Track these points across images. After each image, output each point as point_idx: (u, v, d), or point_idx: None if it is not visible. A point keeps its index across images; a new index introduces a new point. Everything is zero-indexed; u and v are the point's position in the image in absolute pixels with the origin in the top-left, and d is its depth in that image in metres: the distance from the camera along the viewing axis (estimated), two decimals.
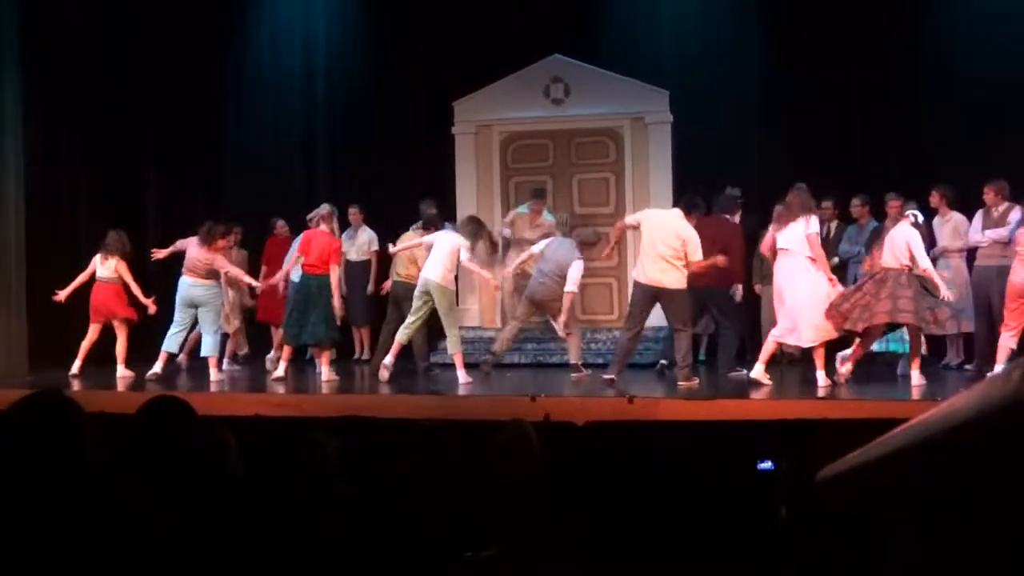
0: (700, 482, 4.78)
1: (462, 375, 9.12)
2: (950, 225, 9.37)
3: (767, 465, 4.83)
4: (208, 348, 9.80)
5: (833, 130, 10.97)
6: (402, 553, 2.92)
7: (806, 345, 8.34)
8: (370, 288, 11.16)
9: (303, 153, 12.67)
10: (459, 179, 11.20)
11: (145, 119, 12.60)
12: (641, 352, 9.92)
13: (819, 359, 8.25)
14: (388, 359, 9.34)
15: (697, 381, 8.61)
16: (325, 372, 9.46)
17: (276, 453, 3.01)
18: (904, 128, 10.66)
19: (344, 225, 11.18)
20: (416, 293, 9.39)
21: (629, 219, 9.20)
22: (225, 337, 10.41)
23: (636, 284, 8.80)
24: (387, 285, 10.51)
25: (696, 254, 8.54)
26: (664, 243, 8.54)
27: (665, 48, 11.48)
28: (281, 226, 11.43)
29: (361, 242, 11.23)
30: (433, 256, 9.39)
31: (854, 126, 10.82)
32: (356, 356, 11.40)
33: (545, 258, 9.55)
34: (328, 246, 9.44)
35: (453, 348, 9.31)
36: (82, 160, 12.07)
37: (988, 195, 9.12)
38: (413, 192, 11.18)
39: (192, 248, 9.74)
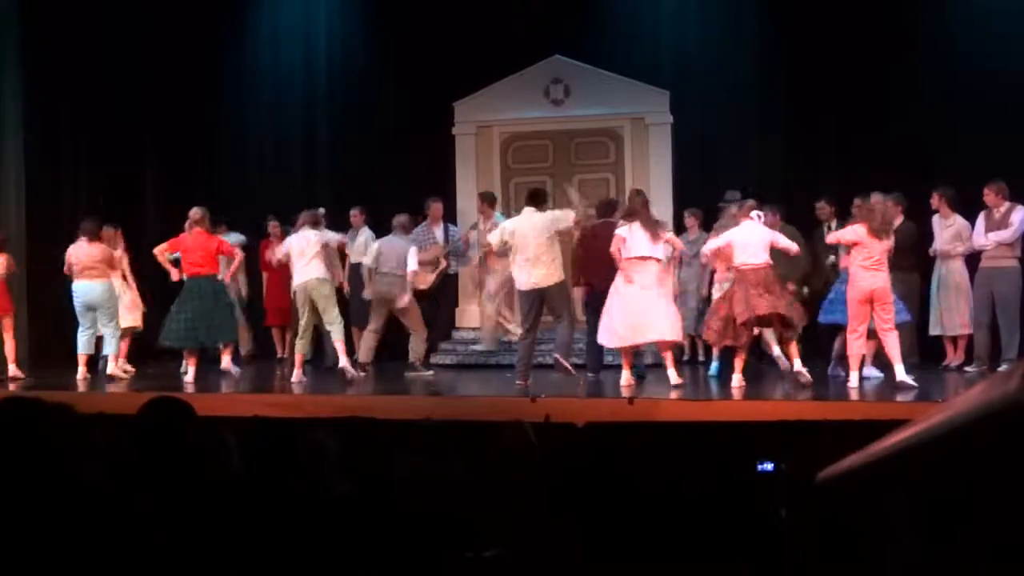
0: (700, 483, 4.78)
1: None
2: (952, 229, 9.33)
3: (767, 466, 4.83)
4: (112, 346, 9.89)
5: (833, 131, 10.97)
6: (402, 554, 2.92)
7: (653, 339, 8.60)
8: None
9: (303, 153, 12.66)
10: (459, 179, 11.21)
11: (145, 119, 12.60)
12: (641, 353, 9.94)
13: (671, 359, 8.58)
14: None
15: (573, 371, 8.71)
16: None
17: (276, 453, 3.01)
18: (904, 128, 10.65)
19: (345, 226, 11.21)
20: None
21: (494, 242, 9.18)
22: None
23: (521, 292, 8.96)
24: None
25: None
26: (535, 245, 8.68)
27: (665, 49, 11.48)
28: (273, 226, 11.38)
29: (359, 243, 11.20)
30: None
31: (854, 127, 10.81)
32: (355, 356, 11.40)
33: (385, 257, 9.86)
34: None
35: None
36: (83, 160, 12.08)
37: (988, 196, 9.09)
38: (413, 192, 11.18)
39: (78, 251, 9.78)
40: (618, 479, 4.78)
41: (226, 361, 9.82)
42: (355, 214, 11.21)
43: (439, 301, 11.04)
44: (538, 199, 8.96)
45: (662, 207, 10.41)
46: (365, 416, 6.49)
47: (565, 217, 8.82)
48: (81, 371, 9.86)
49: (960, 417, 1.49)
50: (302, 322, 9.64)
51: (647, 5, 11.63)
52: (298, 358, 9.63)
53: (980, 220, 9.17)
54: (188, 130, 12.45)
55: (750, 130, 11.26)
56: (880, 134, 10.64)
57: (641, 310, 8.43)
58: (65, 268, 9.88)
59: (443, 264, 10.84)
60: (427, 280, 10.75)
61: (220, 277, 9.86)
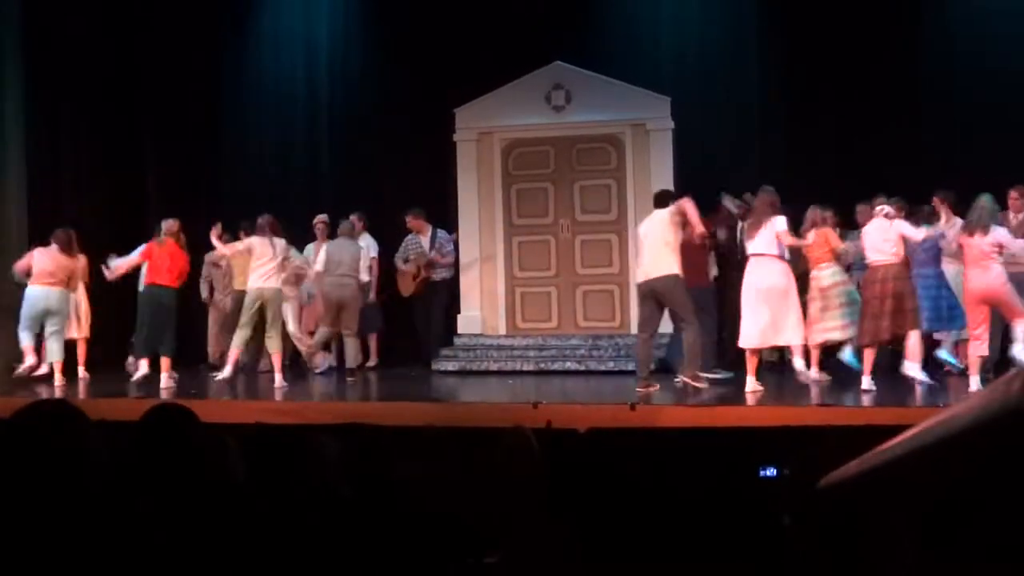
0: (702, 489, 4.77)
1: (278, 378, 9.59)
2: (952, 232, 9.31)
3: (770, 472, 4.82)
4: (57, 353, 9.92)
5: (834, 136, 10.97)
6: (403, 560, 2.92)
7: (796, 343, 8.38)
8: (371, 296, 11.17)
9: (304, 158, 12.68)
10: (460, 186, 11.21)
11: (146, 121, 12.62)
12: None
13: (800, 355, 8.37)
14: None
15: (704, 384, 8.45)
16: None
17: (277, 458, 3.01)
18: (906, 132, 10.66)
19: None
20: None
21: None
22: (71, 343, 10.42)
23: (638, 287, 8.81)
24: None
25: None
26: (651, 239, 8.60)
27: (666, 54, 11.50)
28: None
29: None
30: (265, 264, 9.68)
31: (856, 131, 10.82)
32: (359, 363, 11.42)
33: (335, 262, 10.13)
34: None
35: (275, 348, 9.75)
36: (84, 162, 12.10)
37: (1016, 202, 8.96)
38: (414, 198, 11.22)
39: (44, 257, 9.80)
40: (620, 485, 4.78)
41: (142, 371, 9.78)
42: (355, 220, 11.24)
43: (431, 308, 11.09)
44: (663, 199, 8.81)
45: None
46: (367, 422, 6.49)
47: (685, 208, 8.55)
48: (58, 379, 9.83)
49: (961, 422, 1.49)
50: (252, 324, 9.67)
51: (648, 11, 11.65)
52: (234, 354, 9.69)
53: None
54: (188, 133, 12.47)
55: (751, 134, 11.27)
56: (882, 139, 10.65)
57: (769, 311, 8.29)
58: (19, 266, 9.86)
59: (423, 274, 10.93)
60: (408, 288, 10.85)
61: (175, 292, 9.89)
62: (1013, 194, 9.01)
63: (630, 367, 9.89)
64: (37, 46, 11.44)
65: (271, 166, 12.58)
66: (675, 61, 11.44)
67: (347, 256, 10.23)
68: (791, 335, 8.36)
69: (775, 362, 9.78)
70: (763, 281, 8.30)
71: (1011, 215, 9.07)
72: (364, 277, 10.36)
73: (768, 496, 4.57)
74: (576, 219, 10.91)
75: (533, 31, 11.42)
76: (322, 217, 11.22)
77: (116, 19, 12.27)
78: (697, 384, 8.32)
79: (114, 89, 12.25)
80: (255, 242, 9.71)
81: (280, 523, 2.71)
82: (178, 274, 9.77)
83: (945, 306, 8.63)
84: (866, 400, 7.93)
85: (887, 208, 8.35)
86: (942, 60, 10.65)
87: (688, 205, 8.55)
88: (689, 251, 8.77)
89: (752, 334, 8.34)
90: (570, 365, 10.32)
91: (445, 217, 11.25)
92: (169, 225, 9.85)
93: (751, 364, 8.35)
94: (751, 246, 8.42)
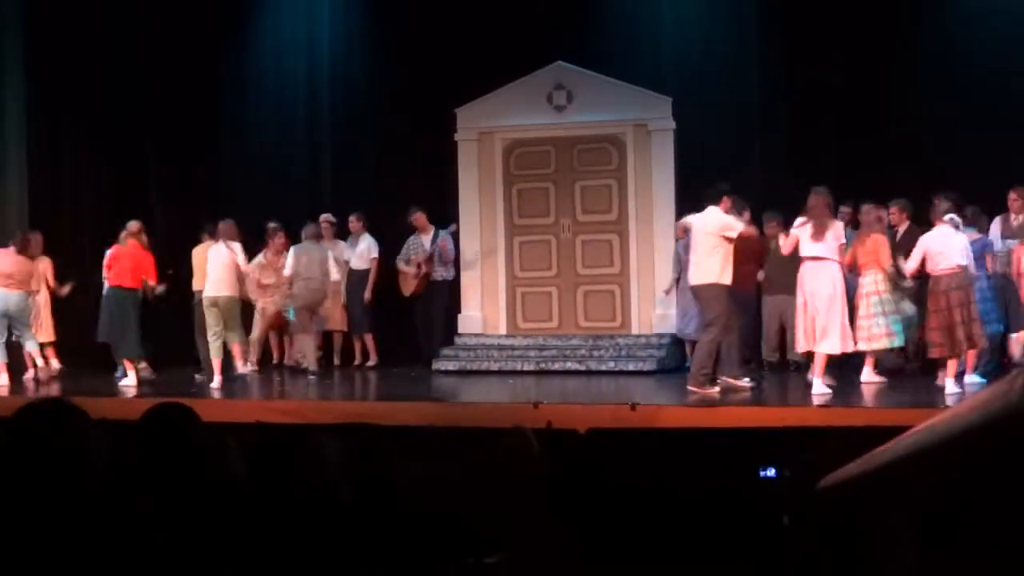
0: (702, 489, 4.77)
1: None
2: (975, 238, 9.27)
3: (769, 472, 4.82)
4: (34, 344, 10.07)
5: (834, 136, 10.97)
6: (403, 560, 2.92)
7: (836, 352, 8.28)
8: (367, 296, 11.14)
9: (306, 159, 12.68)
10: (462, 186, 11.21)
11: (147, 123, 12.63)
12: (644, 359, 9.95)
13: (822, 366, 8.25)
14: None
15: (716, 390, 8.33)
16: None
17: (277, 458, 3.01)
18: (906, 132, 10.66)
19: (344, 233, 11.25)
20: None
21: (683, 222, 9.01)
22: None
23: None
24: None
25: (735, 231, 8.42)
26: (698, 243, 8.50)
27: (668, 55, 11.49)
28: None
29: (361, 250, 11.24)
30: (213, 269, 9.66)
31: (856, 131, 10.82)
32: (357, 363, 11.42)
33: (303, 266, 10.17)
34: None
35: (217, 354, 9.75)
36: (84, 163, 12.12)
37: (1016, 203, 8.96)
38: (415, 198, 11.22)
39: (3, 259, 9.84)
40: (620, 485, 4.77)
41: (132, 378, 9.77)
42: (353, 220, 11.26)
43: (432, 306, 11.09)
44: (714, 195, 8.59)
45: (665, 213, 10.43)
46: (367, 422, 6.49)
47: (735, 226, 8.40)
48: (3, 378, 9.87)
49: (962, 423, 1.49)
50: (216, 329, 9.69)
51: (648, 11, 11.65)
52: (216, 362, 9.68)
53: (996, 225, 9.07)
54: (188, 133, 12.47)
55: (751, 134, 11.27)
56: (880, 135, 10.65)
57: (816, 317, 8.20)
58: None
59: (424, 269, 10.93)
60: (409, 287, 10.86)
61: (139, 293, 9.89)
62: (1013, 195, 9.00)
63: (630, 367, 9.92)
64: (38, 46, 11.45)
65: (271, 166, 12.58)
66: (676, 61, 11.44)
67: (315, 260, 10.22)
68: (827, 344, 8.22)
69: (775, 362, 9.78)
70: (810, 284, 8.24)
71: (1012, 216, 9.05)
72: (335, 277, 10.44)
73: (768, 496, 4.57)
74: (577, 219, 10.91)
75: (534, 31, 11.41)
76: (327, 216, 11.20)
77: (116, 19, 12.27)
78: (697, 390, 8.26)
79: (114, 89, 12.26)
80: (210, 248, 9.79)
81: (280, 523, 2.71)
82: (144, 274, 9.75)
83: (991, 308, 8.61)
84: (870, 400, 7.93)
85: (956, 218, 8.23)
86: (942, 60, 10.64)
87: (745, 228, 8.50)
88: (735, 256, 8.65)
89: (800, 340, 8.39)
90: (570, 365, 10.32)
91: (446, 217, 11.25)
92: (131, 227, 9.86)
93: (820, 365, 8.23)
94: (811, 249, 8.26)
